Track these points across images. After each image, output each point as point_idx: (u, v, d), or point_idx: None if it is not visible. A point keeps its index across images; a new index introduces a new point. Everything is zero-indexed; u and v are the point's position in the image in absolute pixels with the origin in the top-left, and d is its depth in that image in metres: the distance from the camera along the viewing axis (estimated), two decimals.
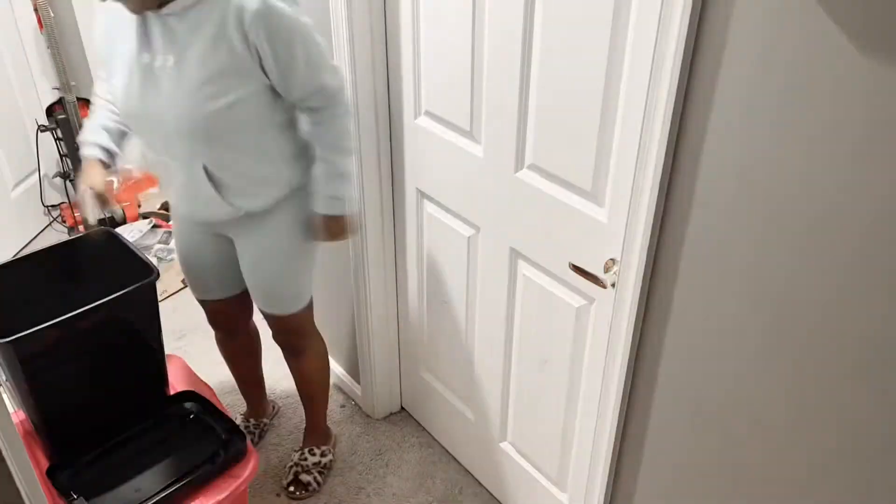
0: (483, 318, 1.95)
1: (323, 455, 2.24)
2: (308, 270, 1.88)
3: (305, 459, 2.21)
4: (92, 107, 1.77)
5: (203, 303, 2.01)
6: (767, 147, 1.09)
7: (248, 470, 1.72)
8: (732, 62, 1.09)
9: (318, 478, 2.20)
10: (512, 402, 1.98)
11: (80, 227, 3.44)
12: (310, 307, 1.96)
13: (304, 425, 2.28)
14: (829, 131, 1.01)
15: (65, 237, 3.46)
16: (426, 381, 2.32)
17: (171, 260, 3.29)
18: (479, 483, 2.24)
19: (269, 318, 1.93)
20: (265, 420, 2.39)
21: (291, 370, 2.12)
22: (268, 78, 1.53)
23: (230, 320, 2.07)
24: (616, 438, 1.57)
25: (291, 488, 2.17)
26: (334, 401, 2.53)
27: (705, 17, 1.10)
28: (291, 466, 2.21)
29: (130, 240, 3.38)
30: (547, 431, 1.87)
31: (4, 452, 0.97)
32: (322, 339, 2.12)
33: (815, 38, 0.98)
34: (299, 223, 1.77)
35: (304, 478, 2.18)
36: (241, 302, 2.01)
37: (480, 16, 1.56)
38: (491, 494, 2.21)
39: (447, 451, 2.35)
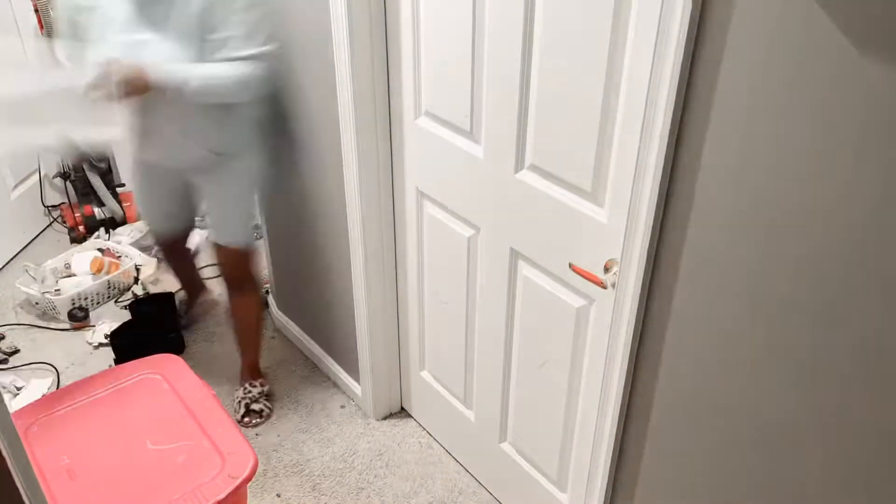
0: (483, 319, 1.95)
1: (262, 385, 2.51)
2: (252, 213, 2.37)
3: (250, 392, 2.47)
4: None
5: (155, 232, 2.57)
6: (767, 147, 1.09)
7: (247, 470, 1.72)
8: (732, 62, 1.09)
9: (267, 403, 2.49)
10: (512, 402, 1.98)
11: (80, 228, 3.44)
12: (253, 250, 2.35)
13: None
14: (829, 131, 1.01)
15: (65, 238, 3.47)
16: (426, 381, 2.32)
17: None
18: (480, 483, 2.24)
19: (220, 252, 2.33)
20: (196, 301, 2.90)
21: (232, 308, 2.46)
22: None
23: (174, 243, 2.61)
24: (616, 438, 1.57)
25: (247, 418, 2.44)
26: (335, 401, 2.53)
27: (705, 18, 1.10)
28: (241, 400, 2.46)
29: (130, 241, 3.38)
30: (547, 432, 1.87)
31: (4, 452, 0.97)
32: (260, 288, 2.52)
33: (815, 39, 0.98)
34: (251, 175, 2.24)
35: (256, 406, 2.45)
36: (185, 231, 2.58)
37: (481, 16, 1.56)
38: (491, 494, 2.21)
39: (447, 451, 2.35)
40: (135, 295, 3.05)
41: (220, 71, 1.91)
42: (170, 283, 3.12)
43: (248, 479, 1.72)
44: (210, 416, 1.85)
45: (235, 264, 2.34)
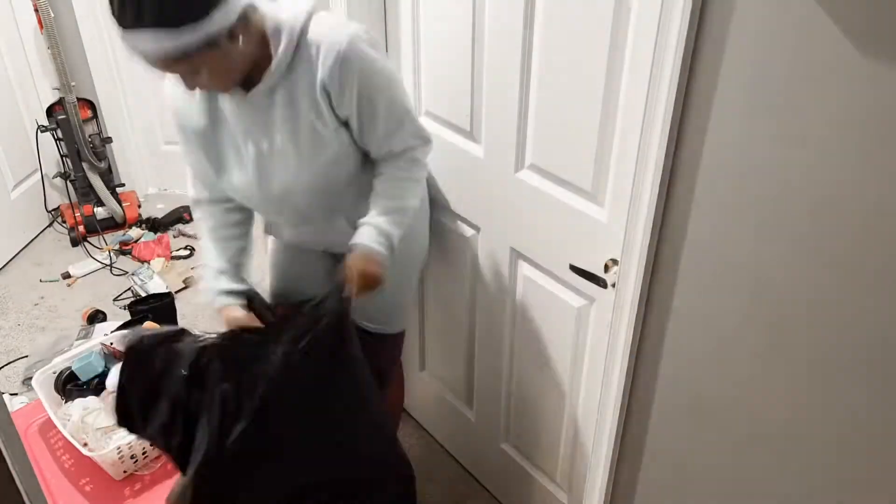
0: (484, 318, 1.95)
1: None
2: (404, 296, 1.80)
3: None
4: (197, 224, 1.64)
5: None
6: (767, 147, 1.09)
7: None
8: (732, 62, 1.09)
9: None
10: (513, 402, 1.98)
11: (80, 228, 3.44)
12: (402, 336, 1.87)
13: None
14: (829, 131, 1.01)
15: (65, 238, 3.47)
16: (426, 381, 2.32)
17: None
18: (479, 483, 2.24)
19: (368, 337, 1.70)
20: None
21: None
22: (347, 130, 1.45)
23: None
24: (616, 438, 1.57)
25: None
26: None
27: (705, 18, 1.10)
28: None
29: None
30: (547, 432, 1.87)
31: (4, 452, 0.97)
32: (402, 377, 2.09)
33: (814, 38, 0.98)
34: (414, 253, 1.74)
35: None
36: None
37: (480, 16, 1.56)
38: (491, 494, 2.21)
39: (447, 451, 2.35)
40: (135, 295, 3.05)
41: (405, 192, 1.54)
42: (171, 282, 3.13)
43: None
44: None
45: (385, 354, 1.83)
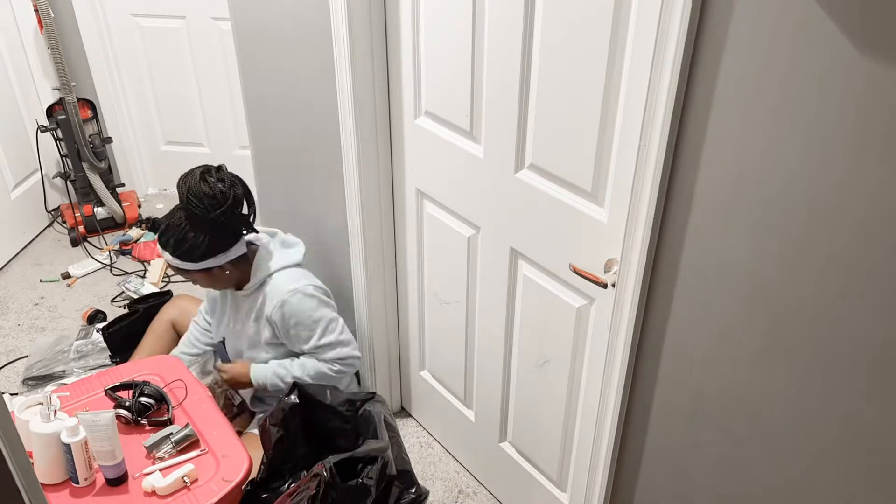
0: (483, 318, 1.95)
1: None
2: None
3: None
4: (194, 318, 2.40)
5: None
6: (767, 147, 1.09)
7: (241, 473, 1.71)
8: (732, 62, 1.09)
9: None
10: (512, 402, 1.98)
11: (80, 228, 3.44)
12: None
13: None
14: (828, 131, 1.01)
15: (65, 238, 3.47)
16: (426, 380, 2.32)
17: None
18: (480, 483, 2.24)
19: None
20: None
21: None
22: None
23: None
24: (616, 438, 1.57)
25: None
26: None
27: (705, 17, 1.10)
28: None
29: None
30: (547, 431, 1.87)
31: (4, 452, 0.96)
32: None
33: (814, 39, 0.99)
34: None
35: None
36: None
37: (480, 16, 1.56)
38: (491, 494, 2.21)
39: (447, 450, 2.35)
40: (135, 295, 3.05)
41: (312, 370, 2.06)
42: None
43: (242, 482, 1.71)
44: (206, 419, 1.85)
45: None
